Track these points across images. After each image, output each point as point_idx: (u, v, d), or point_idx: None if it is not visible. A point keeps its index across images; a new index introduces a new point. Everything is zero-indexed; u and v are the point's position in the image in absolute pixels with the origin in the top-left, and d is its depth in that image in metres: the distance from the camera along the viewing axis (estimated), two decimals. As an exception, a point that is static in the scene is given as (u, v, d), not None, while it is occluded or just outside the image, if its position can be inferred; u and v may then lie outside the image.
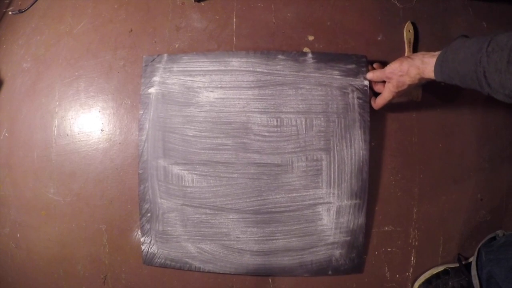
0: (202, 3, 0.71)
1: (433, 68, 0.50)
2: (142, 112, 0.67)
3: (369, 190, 0.65)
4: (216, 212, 0.66)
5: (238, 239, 0.66)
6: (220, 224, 0.66)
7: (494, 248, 0.59)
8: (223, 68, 0.66)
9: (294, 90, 0.65)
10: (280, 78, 0.65)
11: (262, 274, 0.66)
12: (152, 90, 0.67)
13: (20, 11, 0.75)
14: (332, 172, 0.64)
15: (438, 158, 0.68)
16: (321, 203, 0.65)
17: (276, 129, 0.65)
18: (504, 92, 0.40)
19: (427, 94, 0.68)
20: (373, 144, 0.66)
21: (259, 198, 0.65)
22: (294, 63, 0.65)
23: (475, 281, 0.59)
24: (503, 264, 0.54)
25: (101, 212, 0.70)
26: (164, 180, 0.67)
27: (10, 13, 0.77)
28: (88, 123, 0.71)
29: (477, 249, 0.62)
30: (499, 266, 0.55)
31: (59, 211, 0.71)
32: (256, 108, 0.65)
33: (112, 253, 0.70)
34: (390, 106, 0.68)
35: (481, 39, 0.43)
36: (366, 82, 0.64)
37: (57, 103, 0.73)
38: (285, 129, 0.65)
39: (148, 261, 0.68)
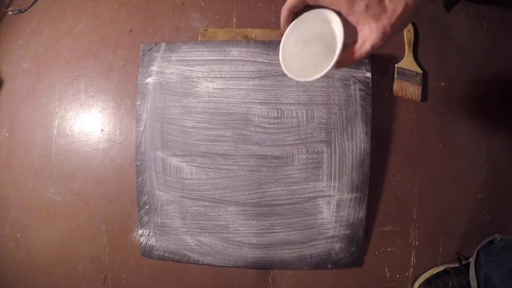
0: (202, 3, 0.71)
1: None
2: (139, 103, 0.67)
3: (370, 190, 0.65)
4: (215, 205, 0.66)
5: (237, 231, 0.66)
6: (219, 216, 0.66)
7: (494, 250, 0.59)
8: (222, 57, 0.65)
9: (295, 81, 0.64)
10: (281, 68, 0.64)
11: (261, 267, 0.66)
12: (149, 80, 0.67)
13: (20, 11, 0.75)
14: (333, 165, 0.64)
15: (438, 158, 0.68)
16: (321, 196, 0.64)
17: (276, 121, 0.64)
18: None
19: (427, 94, 0.68)
20: (373, 144, 0.66)
21: (259, 191, 0.65)
22: None
23: (473, 282, 0.59)
24: (502, 268, 0.55)
25: (101, 212, 0.70)
26: (162, 172, 0.66)
27: (10, 13, 0.77)
28: (88, 123, 0.71)
29: (475, 251, 0.62)
30: (498, 269, 0.55)
31: (59, 211, 0.71)
32: (256, 99, 0.65)
33: (112, 253, 0.70)
34: (390, 106, 0.68)
35: None
36: (369, 74, 0.64)
37: (57, 103, 0.73)
38: (285, 120, 0.65)
39: (147, 253, 0.67)
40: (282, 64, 0.37)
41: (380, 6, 0.33)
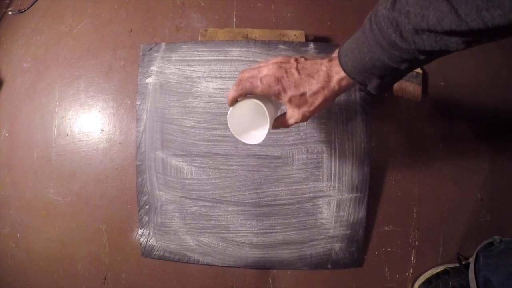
0: (202, 3, 0.71)
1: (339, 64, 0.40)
2: (139, 103, 0.67)
3: (370, 190, 0.65)
4: (215, 205, 0.66)
5: (237, 231, 0.66)
6: (219, 216, 0.66)
7: (494, 253, 0.59)
8: (222, 57, 0.65)
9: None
10: None
11: (261, 267, 0.66)
12: (149, 80, 0.67)
13: (20, 11, 0.75)
14: (333, 165, 0.64)
15: (438, 158, 0.68)
16: (321, 196, 0.65)
17: None
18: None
19: (427, 94, 0.68)
20: (373, 144, 0.66)
21: (259, 191, 0.65)
22: (295, 54, 0.64)
23: (473, 284, 0.59)
24: (502, 270, 0.55)
25: (101, 212, 0.70)
26: (162, 172, 0.66)
27: (10, 13, 0.77)
28: (88, 123, 0.71)
29: (475, 253, 0.62)
30: (498, 272, 0.55)
31: (59, 211, 0.71)
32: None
33: (112, 253, 0.70)
34: (390, 106, 0.68)
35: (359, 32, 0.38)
36: None
37: (57, 103, 0.73)
38: None
39: (147, 253, 0.67)
40: (230, 126, 0.45)
41: (301, 99, 0.42)
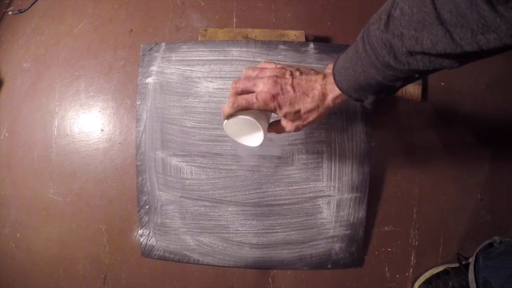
0: (202, 3, 0.71)
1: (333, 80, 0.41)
2: (139, 103, 0.67)
3: (370, 190, 0.65)
4: (215, 205, 0.66)
5: (237, 231, 0.66)
6: (219, 216, 0.66)
7: (493, 255, 0.59)
8: (222, 57, 0.65)
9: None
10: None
11: (261, 267, 0.66)
12: (149, 80, 0.67)
13: (20, 11, 0.75)
14: (333, 165, 0.64)
15: (438, 158, 0.68)
16: (321, 196, 0.65)
17: None
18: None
19: (427, 94, 0.68)
20: (373, 144, 0.66)
21: (259, 191, 0.65)
22: (295, 54, 0.64)
23: (472, 285, 0.59)
24: (501, 273, 0.55)
25: (101, 212, 0.70)
26: (163, 172, 0.66)
27: (10, 13, 0.77)
28: (88, 123, 0.71)
29: (475, 254, 0.62)
30: (497, 274, 0.55)
31: (59, 211, 0.71)
32: None
33: (112, 253, 0.70)
34: (390, 106, 0.68)
35: (352, 49, 0.38)
36: None
37: (57, 103, 0.73)
38: None
39: (147, 253, 0.67)
40: (226, 131, 0.47)
41: (296, 115, 0.43)
